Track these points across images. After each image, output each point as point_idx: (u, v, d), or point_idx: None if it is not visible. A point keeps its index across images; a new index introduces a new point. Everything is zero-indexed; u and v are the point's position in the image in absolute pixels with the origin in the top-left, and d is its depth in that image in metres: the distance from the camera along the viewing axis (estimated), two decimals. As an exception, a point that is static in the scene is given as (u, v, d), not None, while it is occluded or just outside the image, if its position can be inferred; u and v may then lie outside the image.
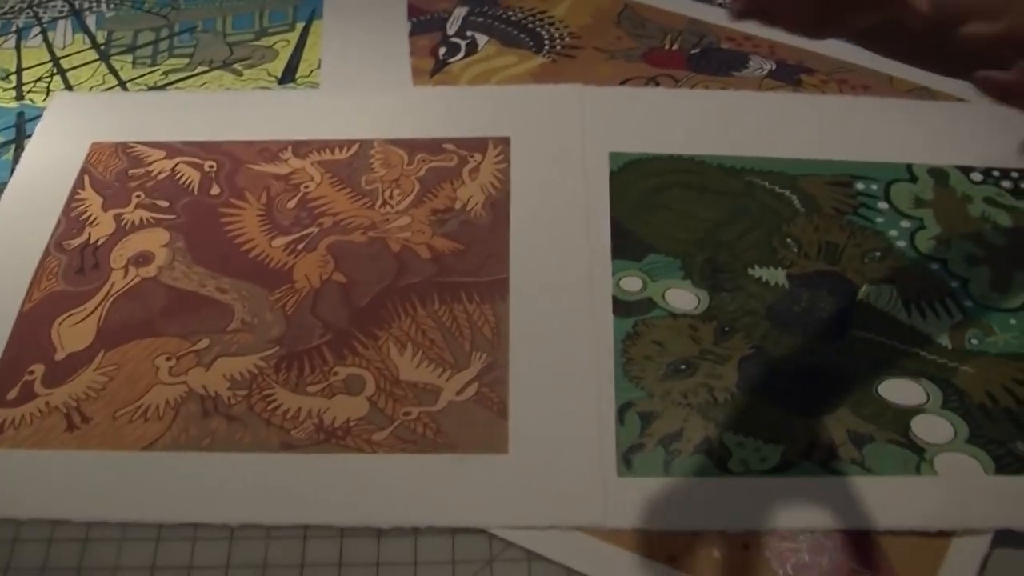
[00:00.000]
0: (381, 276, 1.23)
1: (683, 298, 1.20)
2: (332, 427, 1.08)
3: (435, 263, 1.23)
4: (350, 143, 1.39)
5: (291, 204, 1.32)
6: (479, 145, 1.40)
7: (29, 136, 1.39)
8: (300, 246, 1.26)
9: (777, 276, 1.21)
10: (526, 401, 1.08)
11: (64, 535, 1.00)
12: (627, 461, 1.05)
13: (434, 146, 1.37)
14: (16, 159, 1.36)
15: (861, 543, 0.99)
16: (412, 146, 1.38)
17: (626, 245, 1.24)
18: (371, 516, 1.01)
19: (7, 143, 1.39)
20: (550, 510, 1.00)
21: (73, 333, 1.17)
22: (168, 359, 1.15)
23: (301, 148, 1.38)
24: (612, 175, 1.31)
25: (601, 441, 1.06)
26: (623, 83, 1.45)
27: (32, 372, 1.14)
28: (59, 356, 1.15)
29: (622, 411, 1.09)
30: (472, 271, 1.22)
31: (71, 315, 1.19)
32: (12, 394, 1.11)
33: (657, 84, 1.46)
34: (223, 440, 1.07)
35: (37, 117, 1.42)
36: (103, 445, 1.07)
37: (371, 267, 1.23)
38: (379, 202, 1.35)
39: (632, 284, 1.21)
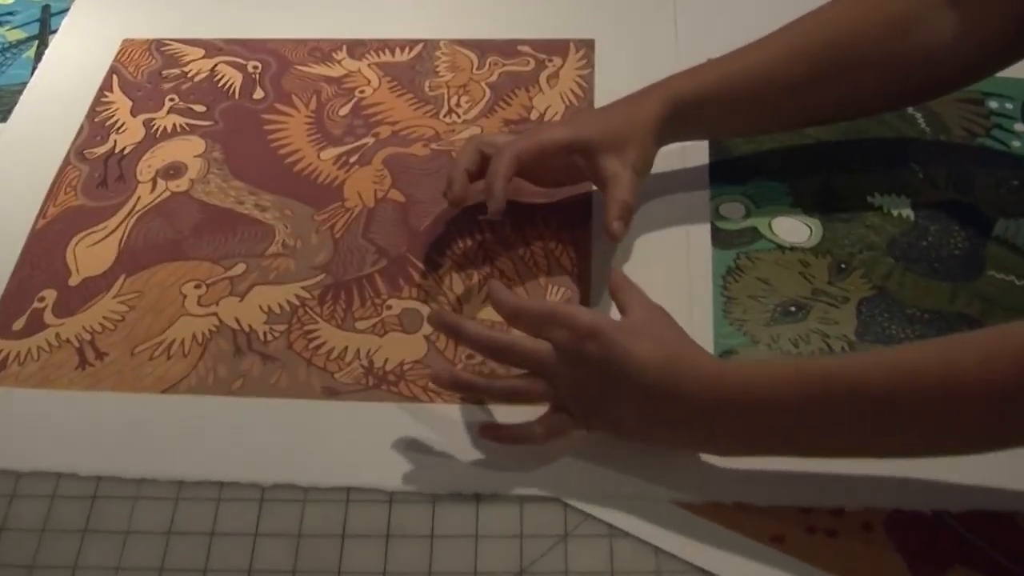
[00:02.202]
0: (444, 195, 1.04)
1: (793, 228, 1.08)
2: (383, 371, 0.98)
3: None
4: (412, 43, 1.30)
5: (344, 111, 1.23)
6: (559, 48, 1.27)
7: (54, 32, 1.33)
8: (353, 159, 1.17)
9: (901, 206, 1.09)
10: None
11: (69, 491, 0.92)
12: None
13: (508, 48, 1.28)
14: (38, 57, 1.30)
15: (1007, 526, 0.87)
16: (483, 47, 1.28)
17: (726, 166, 1.13)
18: (426, 479, 0.91)
19: (29, 39, 1.33)
20: (636, 478, 0.90)
21: (91, 255, 1.09)
22: (197, 287, 1.06)
23: (357, 48, 1.30)
24: (710, 85, 1.16)
25: (698, 396, 0.91)
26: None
27: (42, 299, 1.05)
28: (74, 281, 1.07)
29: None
30: (548, 191, 1.09)
31: (90, 234, 1.11)
32: (18, 323, 1.04)
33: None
34: (257, 383, 0.98)
35: (64, 11, 1.35)
36: (119, 386, 0.98)
37: (433, 184, 1.12)
38: (444, 110, 1.22)
39: (733, 211, 1.10)
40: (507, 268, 1.06)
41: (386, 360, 0.99)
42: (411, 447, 0.93)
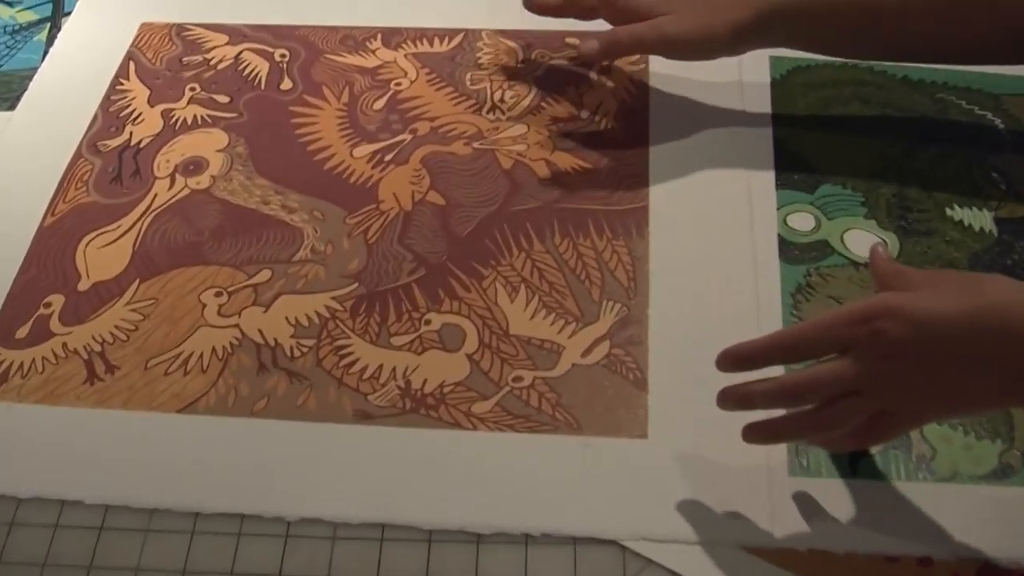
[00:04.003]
0: (488, 198, 1.05)
1: (866, 242, 0.97)
2: (421, 393, 0.91)
3: (556, 185, 1.05)
4: (452, 32, 1.22)
5: (378, 105, 1.15)
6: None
7: (68, 14, 1.26)
8: (388, 157, 1.10)
9: (982, 219, 1.01)
10: (671, 369, 0.91)
11: (74, 520, 0.86)
12: (801, 455, 0.86)
13: (554, 40, 1.20)
14: (50, 40, 1.23)
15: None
16: (527, 39, 1.20)
17: (794, 172, 1.05)
18: (468, 516, 0.84)
19: (41, 21, 1.27)
20: (701, 518, 0.83)
21: (102, 257, 1.02)
22: (218, 294, 0.99)
23: (393, 37, 1.22)
24: (774, 83, 1.13)
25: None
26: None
27: (48, 304, 0.99)
28: (83, 285, 1.00)
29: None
30: (602, 197, 1.04)
31: (101, 233, 1.04)
32: (22, 331, 0.97)
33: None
34: (282, 404, 0.91)
35: None
36: (130, 403, 0.92)
37: (476, 186, 1.06)
38: (487, 106, 1.14)
39: (803, 222, 1.02)
40: (557, 280, 0.99)
41: (425, 381, 0.92)
42: (452, 479, 0.86)
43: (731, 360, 0.80)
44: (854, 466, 0.86)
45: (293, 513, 0.85)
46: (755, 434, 0.80)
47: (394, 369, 0.93)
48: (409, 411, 0.90)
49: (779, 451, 0.86)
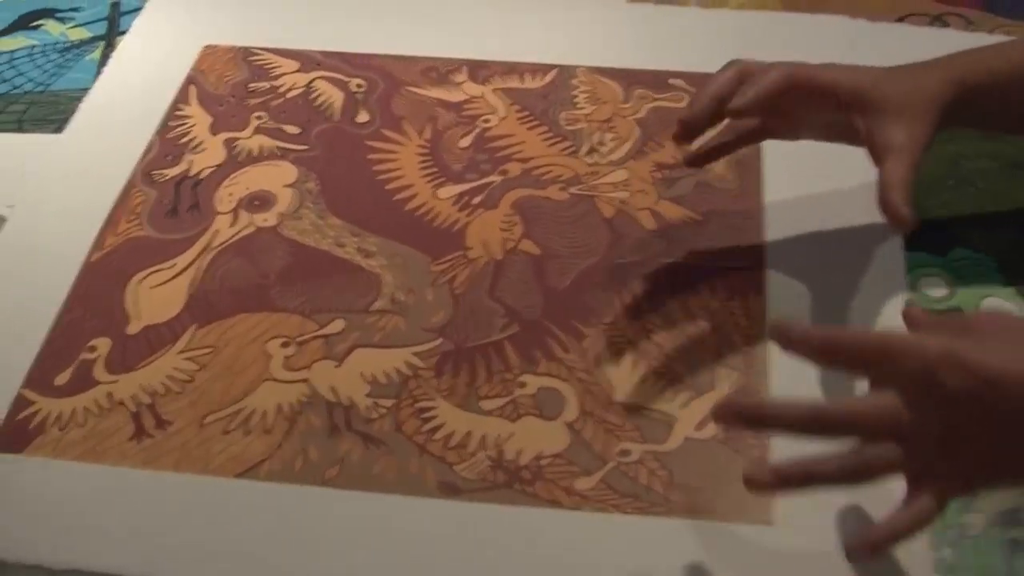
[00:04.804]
0: (588, 249, 0.96)
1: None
2: (516, 465, 0.82)
3: (662, 237, 0.97)
4: (545, 68, 1.13)
5: (465, 142, 1.06)
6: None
7: (123, 33, 1.19)
8: (476, 200, 1.01)
9: None
10: (797, 446, 0.78)
11: None
12: (945, 548, 0.77)
13: (657, 80, 1.11)
14: (104, 60, 1.16)
15: None
16: (628, 78, 1.11)
17: (922, 232, 0.94)
18: None
19: (94, 39, 1.20)
20: None
21: (155, 298, 0.94)
22: (284, 344, 0.90)
23: (480, 71, 1.13)
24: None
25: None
26: (901, 19, 1.21)
27: (93, 349, 0.90)
28: (132, 329, 0.92)
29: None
30: (715, 252, 0.95)
31: (155, 272, 0.96)
32: (62, 377, 0.88)
33: (945, 24, 1.20)
34: (357, 472, 0.82)
35: (136, 10, 1.22)
36: (183, 465, 0.83)
37: (574, 235, 0.97)
38: (585, 148, 1.05)
39: (934, 287, 0.95)
40: (666, 342, 0.89)
41: (519, 452, 0.83)
42: (551, 565, 0.77)
43: (736, 414, 0.73)
44: (1011, 562, 0.76)
45: (369, 598, 0.74)
46: (764, 475, 0.71)
47: (484, 437, 0.84)
48: (501, 485, 0.81)
49: (920, 545, 0.76)
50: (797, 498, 0.78)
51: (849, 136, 0.88)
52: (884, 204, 0.82)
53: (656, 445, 0.83)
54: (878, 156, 0.85)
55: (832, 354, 0.72)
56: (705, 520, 0.79)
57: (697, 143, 0.89)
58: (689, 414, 0.85)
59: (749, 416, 0.72)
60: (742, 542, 0.78)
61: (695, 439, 0.83)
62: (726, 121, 0.89)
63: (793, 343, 0.72)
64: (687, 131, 0.86)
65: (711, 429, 0.83)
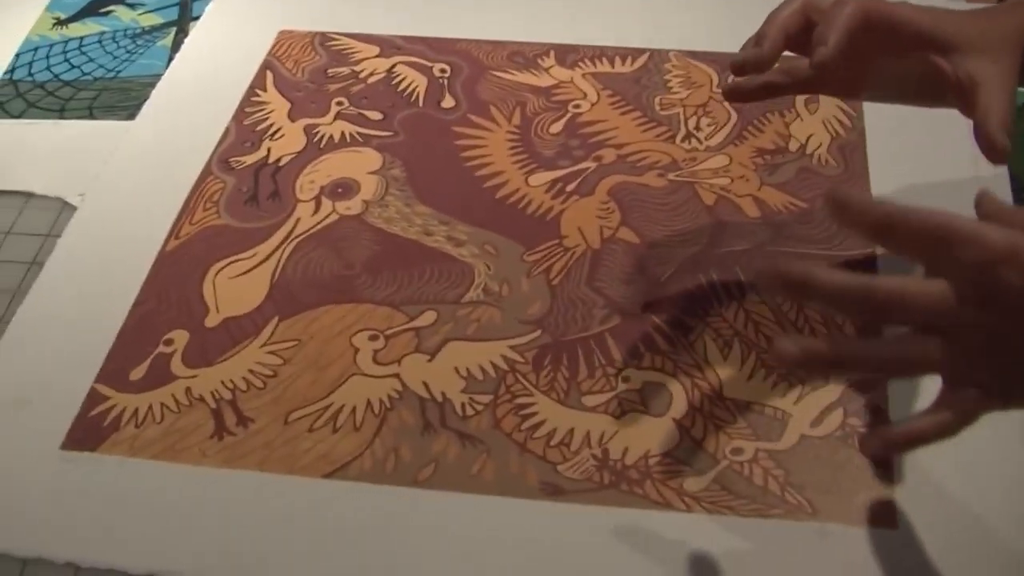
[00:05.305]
0: (689, 237, 0.90)
1: None
2: (622, 464, 0.76)
3: (767, 225, 0.91)
4: (635, 52, 1.08)
5: (556, 128, 1.01)
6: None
7: (196, 18, 1.15)
8: (570, 187, 0.95)
9: None
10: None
11: None
12: None
13: None
14: (176, 46, 1.12)
15: None
16: (721, 63, 1.05)
17: None
18: None
19: (166, 25, 1.15)
20: None
21: (235, 289, 0.89)
22: (373, 338, 0.84)
23: (568, 55, 1.08)
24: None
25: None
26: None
27: (170, 342, 0.85)
28: (211, 321, 0.86)
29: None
30: (823, 241, 0.89)
31: (234, 262, 0.91)
32: (137, 372, 0.83)
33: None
34: (453, 472, 0.76)
35: None
36: (267, 464, 0.77)
37: (674, 223, 0.91)
38: (681, 133, 0.99)
39: None
40: (775, 335, 0.83)
41: (626, 450, 0.77)
42: (663, 570, 0.71)
43: (785, 283, 0.63)
44: None
45: (469, 606, 0.68)
46: (792, 354, 0.62)
47: (588, 434, 0.78)
48: (608, 486, 0.75)
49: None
50: (922, 503, 0.74)
51: (919, 92, 0.82)
52: (979, 133, 0.75)
53: (770, 443, 0.77)
54: (969, 92, 0.78)
55: (889, 232, 0.64)
56: (825, 523, 0.73)
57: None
58: (803, 410, 0.79)
59: (794, 283, 0.64)
60: (864, 546, 0.72)
61: (811, 437, 0.77)
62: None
63: (850, 217, 0.64)
64: (755, 67, 0.79)
65: (828, 426, 0.78)
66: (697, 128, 1.00)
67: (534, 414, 0.79)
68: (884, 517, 0.73)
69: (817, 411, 0.79)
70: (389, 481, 0.76)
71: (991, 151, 0.75)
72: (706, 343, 0.83)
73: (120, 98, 1.06)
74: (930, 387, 0.75)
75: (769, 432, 0.78)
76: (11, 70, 1.09)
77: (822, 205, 0.67)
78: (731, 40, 0.92)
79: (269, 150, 1.00)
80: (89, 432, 0.79)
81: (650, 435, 0.78)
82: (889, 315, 0.64)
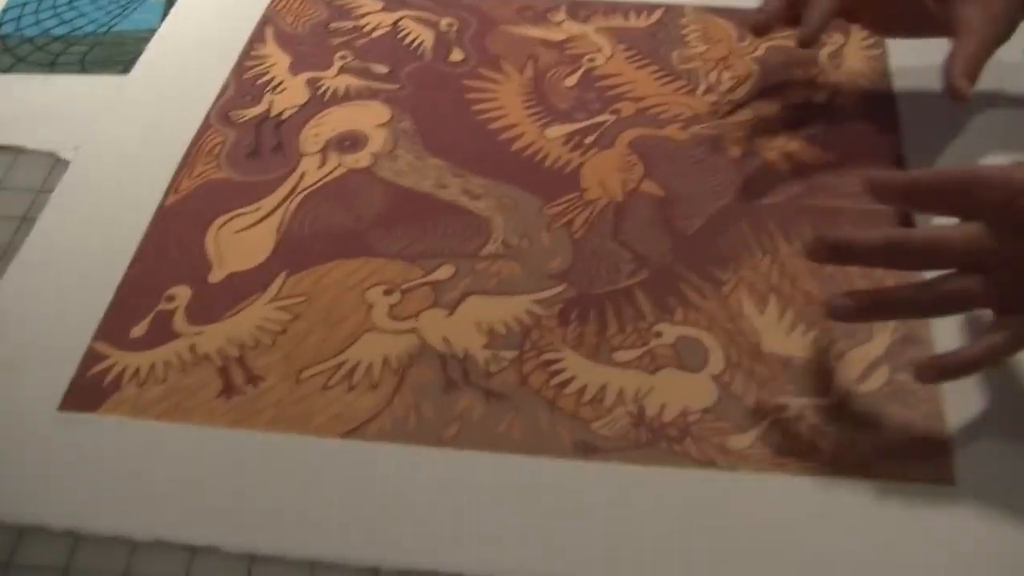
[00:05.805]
0: (716, 190, 0.86)
1: None
2: (659, 421, 0.72)
3: (798, 178, 0.87)
4: (650, 7, 1.04)
5: (570, 82, 0.97)
6: (837, 22, 0.95)
7: None
8: (589, 139, 0.91)
9: None
10: (973, 399, 0.72)
11: (208, 571, 0.65)
12: None
13: None
14: (170, 1, 1.07)
15: None
16: (740, 17, 1.01)
17: None
18: None
19: None
20: None
21: (240, 243, 0.84)
22: (388, 292, 0.80)
23: (580, 9, 1.04)
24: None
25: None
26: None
27: (172, 298, 0.80)
28: (215, 276, 0.82)
29: None
30: (855, 193, 0.84)
31: (237, 215, 0.86)
32: (138, 329, 0.78)
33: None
34: (479, 431, 0.72)
35: None
36: (279, 424, 0.72)
37: (700, 176, 0.87)
38: (702, 87, 0.96)
39: None
40: (813, 290, 0.79)
41: (663, 407, 0.73)
42: (708, 531, 0.67)
43: (826, 250, 0.68)
44: None
45: (495, 570, 0.65)
46: (844, 305, 0.68)
47: (622, 390, 0.74)
48: (646, 444, 0.71)
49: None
50: (980, 457, 0.71)
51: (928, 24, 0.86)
52: (944, 74, 0.80)
53: (815, 398, 0.74)
54: (948, 34, 0.83)
55: (917, 193, 0.69)
56: (880, 481, 0.69)
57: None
58: (847, 365, 0.75)
59: (839, 250, 0.68)
60: (920, 503, 0.69)
61: (857, 392, 0.74)
62: None
63: (879, 190, 0.69)
64: (759, 31, 0.87)
65: (875, 381, 0.74)
66: (718, 81, 0.96)
67: (563, 370, 0.75)
68: (941, 473, 0.70)
69: (862, 367, 0.75)
70: (411, 440, 0.72)
71: (952, 95, 0.80)
72: (742, 298, 0.79)
73: (113, 52, 1.01)
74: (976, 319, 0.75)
75: (814, 387, 0.74)
76: (-2, 25, 1.04)
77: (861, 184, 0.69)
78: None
79: (271, 104, 0.95)
80: (88, 392, 0.75)
81: (687, 391, 0.74)
82: (930, 261, 0.67)
